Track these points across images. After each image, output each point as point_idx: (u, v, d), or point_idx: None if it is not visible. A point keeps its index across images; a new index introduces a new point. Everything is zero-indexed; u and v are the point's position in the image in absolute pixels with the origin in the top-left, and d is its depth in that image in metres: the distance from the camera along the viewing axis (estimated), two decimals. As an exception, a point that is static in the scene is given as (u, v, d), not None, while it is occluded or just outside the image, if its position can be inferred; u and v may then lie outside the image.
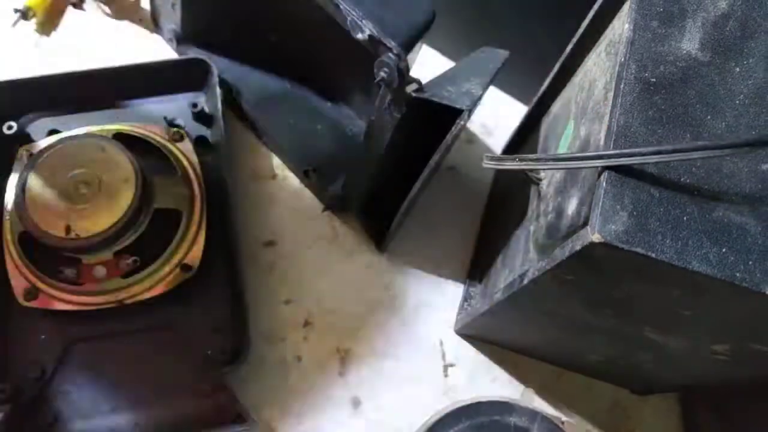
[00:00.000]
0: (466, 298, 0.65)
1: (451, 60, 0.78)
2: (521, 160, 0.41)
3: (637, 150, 0.32)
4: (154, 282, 0.59)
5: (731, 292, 0.32)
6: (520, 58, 0.68)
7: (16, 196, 0.55)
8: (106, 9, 0.78)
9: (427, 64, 0.77)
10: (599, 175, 0.33)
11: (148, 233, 0.58)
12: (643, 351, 0.48)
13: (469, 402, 0.57)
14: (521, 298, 0.45)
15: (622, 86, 0.35)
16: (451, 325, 0.66)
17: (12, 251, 0.58)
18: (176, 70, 0.69)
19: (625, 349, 0.49)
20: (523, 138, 0.64)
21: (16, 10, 0.72)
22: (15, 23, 0.72)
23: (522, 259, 0.49)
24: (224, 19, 0.73)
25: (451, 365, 0.64)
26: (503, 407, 0.56)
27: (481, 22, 0.69)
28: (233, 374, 0.58)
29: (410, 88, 0.51)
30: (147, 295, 0.58)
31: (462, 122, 0.50)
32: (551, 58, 0.54)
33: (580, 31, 0.48)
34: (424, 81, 0.53)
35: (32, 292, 0.57)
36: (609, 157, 0.32)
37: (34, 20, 0.72)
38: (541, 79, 0.56)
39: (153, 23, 0.74)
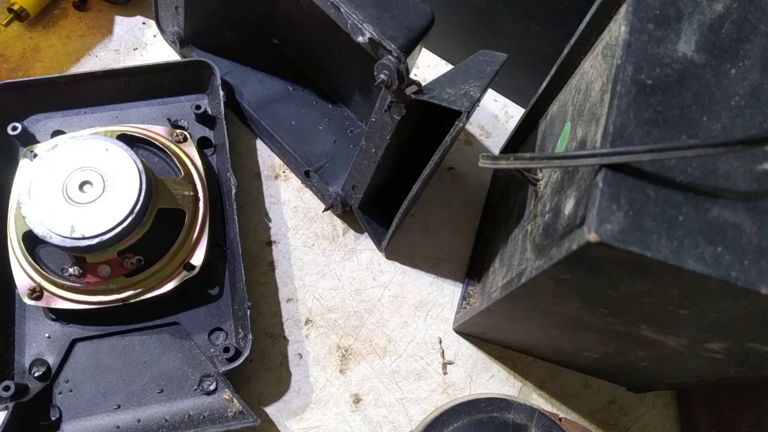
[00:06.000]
0: (465, 297, 0.66)
1: (450, 63, 0.78)
2: (516, 159, 0.41)
3: (630, 148, 0.32)
4: (158, 281, 0.59)
5: (727, 291, 0.32)
6: (518, 61, 0.68)
7: (21, 196, 0.55)
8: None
9: (427, 66, 0.78)
10: (596, 175, 0.33)
11: (152, 233, 0.58)
12: (640, 349, 0.48)
13: (467, 399, 0.57)
14: (519, 297, 0.45)
15: (618, 88, 0.35)
16: (450, 323, 0.66)
17: (16, 250, 0.58)
18: (179, 72, 0.69)
19: (621, 347, 0.49)
20: (521, 139, 0.64)
21: (10, 10, 0.72)
22: (8, 23, 0.72)
23: (519, 259, 0.49)
24: (227, 22, 0.73)
25: (450, 363, 0.65)
26: (501, 404, 0.56)
27: (479, 25, 0.70)
28: (235, 371, 0.59)
29: (410, 90, 0.52)
30: (151, 294, 0.59)
31: (461, 124, 0.50)
32: (549, 61, 0.54)
33: (577, 33, 0.48)
34: (423, 83, 0.54)
35: (37, 291, 0.57)
36: (603, 155, 0.32)
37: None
38: (538, 82, 0.56)
39: (156, 26, 0.75)
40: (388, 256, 0.69)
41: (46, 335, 0.60)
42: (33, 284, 0.58)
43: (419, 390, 0.63)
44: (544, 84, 0.55)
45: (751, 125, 0.35)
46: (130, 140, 0.62)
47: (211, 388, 0.59)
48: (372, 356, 0.64)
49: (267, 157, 0.72)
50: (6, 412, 0.55)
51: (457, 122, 0.50)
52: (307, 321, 0.65)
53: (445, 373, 0.64)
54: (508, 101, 0.77)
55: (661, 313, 0.39)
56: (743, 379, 0.49)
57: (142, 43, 0.77)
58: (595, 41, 0.47)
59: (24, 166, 0.61)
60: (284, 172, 0.72)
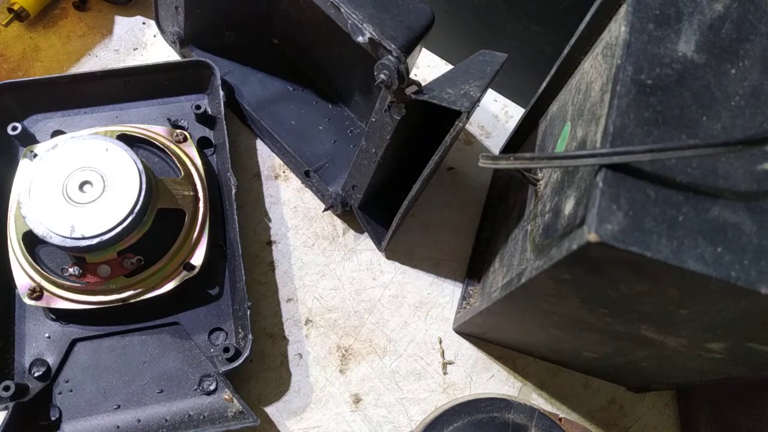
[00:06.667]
0: (465, 297, 0.66)
1: (450, 63, 0.78)
2: (516, 159, 0.41)
3: (630, 148, 0.32)
4: (158, 281, 0.59)
5: (727, 291, 0.32)
6: (518, 61, 0.68)
7: (21, 196, 0.55)
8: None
9: (427, 66, 0.78)
10: (596, 175, 0.33)
11: (152, 233, 0.58)
12: (640, 349, 0.48)
13: (467, 399, 0.57)
14: (519, 297, 0.45)
15: (618, 88, 0.35)
16: (449, 323, 0.66)
17: (16, 250, 0.58)
18: (179, 72, 0.69)
19: (621, 347, 0.49)
20: (521, 139, 0.64)
21: (10, 10, 0.72)
22: (8, 23, 0.73)
23: (519, 259, 0.49)
24: (227, 22, 0.73)
25: (450, 363, 0.65)
26: (501, 404, 0.56)
27: (479, 25, 0.70)
28: (235, 371, 0.59)
29: (410, 90, 0.52)
30: (151, 294, 0.59)
31: (461, 123, 0.50)
32: (549, 61, 0.54)
33: (577, 33, 0.48)
34: (423, 83, 0.54)
35: (37, 292, 0.57)
36: (603, 155, 0.32)
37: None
38: (538, 82, 0.56)
39: (156, 26, 0.75)
40: (388, 256, 0.69)
41: (46, 335, 0.60)
42: (33, 284, 0.58)
43: (419, 390, 0.63)
44: (544, 84, 0.55)
45: (751, 125, 0.35)
46: (130, 140, 0.62)
47: (211, 388, 0.59)
48: (372, 356, 0.64)
49: (267, 157, 0.72)
50: (6, 412, 0.55)
51: (457, 122, 0.50)
52: (307, 321, 0.65)
53: (445, 373, 0.64)
54: (508, 101, 0.77)
55: (661, 313, 0.39)
56: (743, 379, 0.49)
57: (142, 43, 0.77)
58: (595, 41, 0.47)
59: (24, 166, 0.61)
60: (284, 172, 0.72)
